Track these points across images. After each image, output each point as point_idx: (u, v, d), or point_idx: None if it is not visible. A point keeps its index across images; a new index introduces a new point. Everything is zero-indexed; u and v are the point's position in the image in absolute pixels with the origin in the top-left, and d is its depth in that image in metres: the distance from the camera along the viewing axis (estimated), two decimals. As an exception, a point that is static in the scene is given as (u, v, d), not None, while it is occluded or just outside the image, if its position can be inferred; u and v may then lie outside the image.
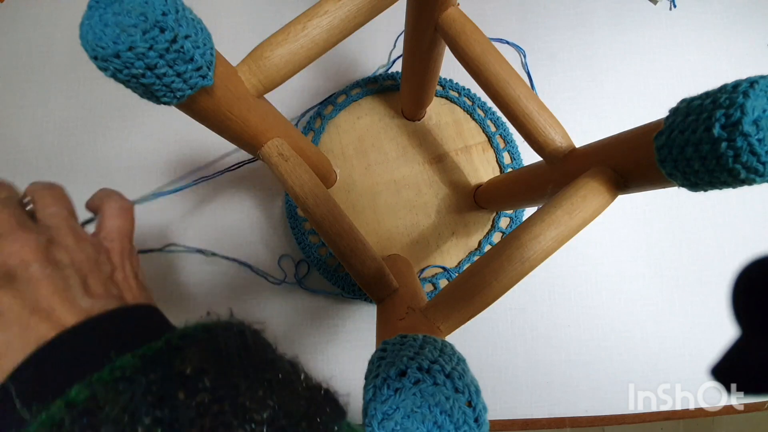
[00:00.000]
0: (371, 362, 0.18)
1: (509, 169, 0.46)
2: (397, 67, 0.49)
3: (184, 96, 0.18)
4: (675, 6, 0.51)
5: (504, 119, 0.47)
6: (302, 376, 0.14)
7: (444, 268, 0.45)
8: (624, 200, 0.27)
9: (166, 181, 0.48)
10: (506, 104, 0.29)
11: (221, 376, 0.13)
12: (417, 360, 0.16)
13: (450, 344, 0.18)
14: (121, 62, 0.15)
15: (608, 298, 0.46)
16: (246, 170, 0.48)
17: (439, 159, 0.46)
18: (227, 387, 0.13)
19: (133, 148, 0.49)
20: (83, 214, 0.21)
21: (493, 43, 0.32)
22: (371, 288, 0.28)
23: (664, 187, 0.22)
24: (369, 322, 0.46)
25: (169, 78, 0.17)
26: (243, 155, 0.33)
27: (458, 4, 0.29)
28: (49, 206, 0.18)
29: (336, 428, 0.13)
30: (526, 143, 0.29)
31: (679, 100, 0.19)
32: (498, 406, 0.44)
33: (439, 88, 0.47)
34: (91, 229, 0.20)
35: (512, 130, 0.47)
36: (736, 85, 0.16)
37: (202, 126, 0.24)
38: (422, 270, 0.45)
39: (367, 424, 0.15)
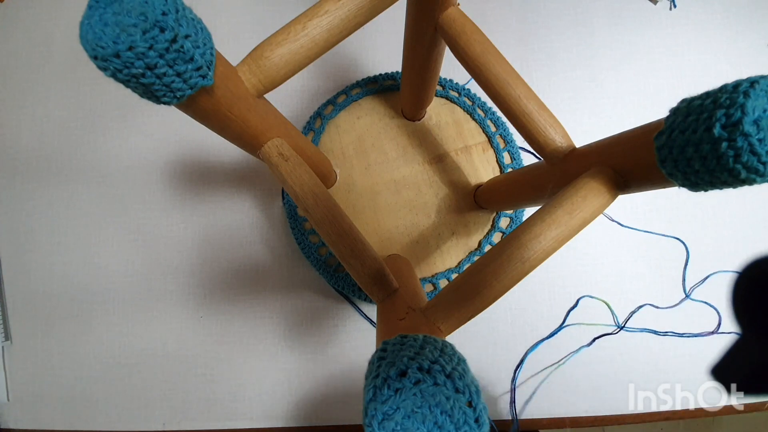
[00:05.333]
0: (371, 362, 0.18)
1: (509, 169, 0.46)
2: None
3: (184, 96, 0.18)
4: (675, 6, 0.51)
5: (504, 119, 0.46)
6: None
7: (448, 279, 0.44)
8: (624, 200, 0.27)
9: (166, 181, 0.48)
10: (506, 104, 0.29)
11: None
12: (417, 360, 0.16)
13: (450, 344, 0.18)
14: (121, 62, 0.15)
15: (608, 298, 0.46)
16: (246, 170, 0.49)
17: (439, 159, 0.46)
18: None
19: (133, 148, 0.49)
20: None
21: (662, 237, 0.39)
22: (371, 288, 0.28)
23: (664, 187, 0.22)
24: (368, 322, 0.46)
25: (169, 78, 0.17)
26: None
27: (458, 4, 0.29)
28: None
29: None
30: (526, 143, 0.29)
31: (679, 100, 0.19)
32: (498, 407, 0.44)
33: (439, 88, 0.47)
34: None
35: (512, 130, 0.47)
36: (736, 84, 0.16)
37: (202, 126, 0.24)
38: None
39: (367, 424, 0.15)
